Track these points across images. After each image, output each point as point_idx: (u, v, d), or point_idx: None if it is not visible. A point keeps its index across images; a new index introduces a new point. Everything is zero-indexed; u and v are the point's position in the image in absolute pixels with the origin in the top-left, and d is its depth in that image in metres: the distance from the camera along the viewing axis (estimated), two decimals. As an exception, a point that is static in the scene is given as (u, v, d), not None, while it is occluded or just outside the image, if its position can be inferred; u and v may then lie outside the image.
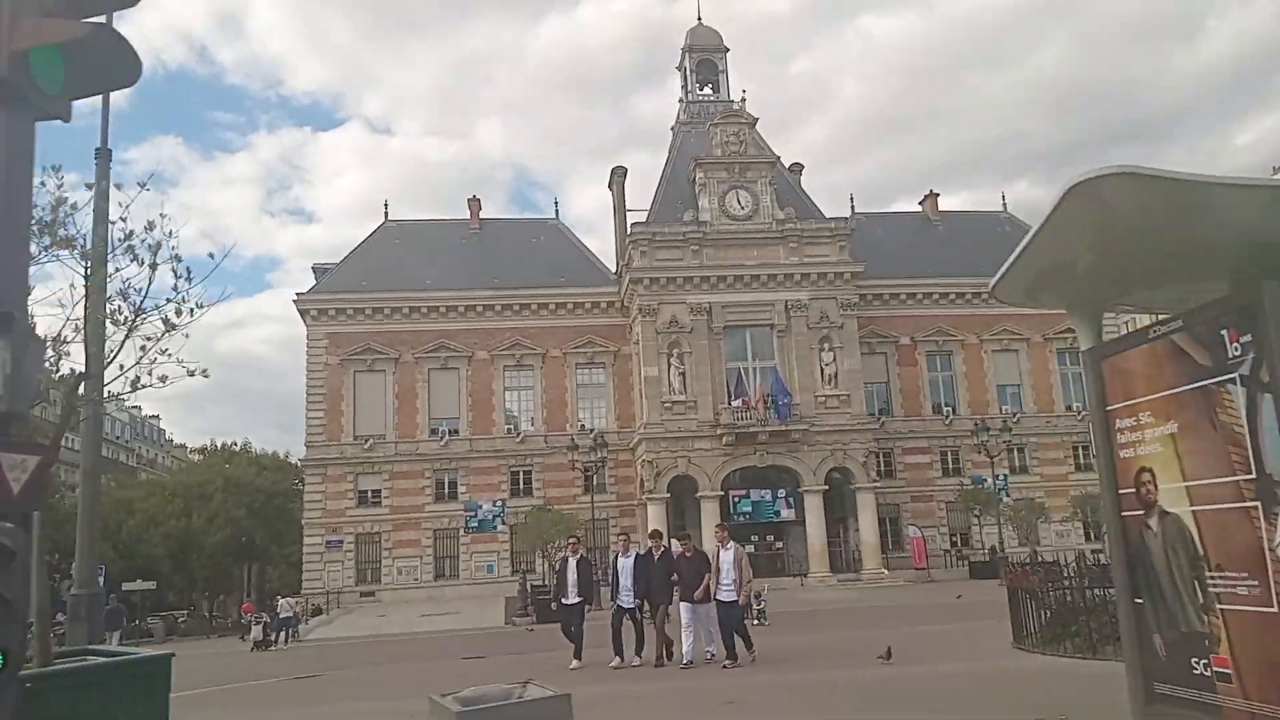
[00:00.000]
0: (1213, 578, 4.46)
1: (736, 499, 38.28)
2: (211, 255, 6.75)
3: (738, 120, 41.33)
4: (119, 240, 6.26)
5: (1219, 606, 4.40)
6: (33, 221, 4.81)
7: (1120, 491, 5.15)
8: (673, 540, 14.78)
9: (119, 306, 6.21)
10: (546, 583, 33.71)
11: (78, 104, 3.69)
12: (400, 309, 41.90)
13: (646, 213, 41.58)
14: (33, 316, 5.07)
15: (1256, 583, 4.15)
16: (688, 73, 46.07)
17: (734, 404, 38.00)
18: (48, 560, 14.46)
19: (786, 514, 38.87)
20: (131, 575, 44.74)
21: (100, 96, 10.87)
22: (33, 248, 4.75)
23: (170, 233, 6.47)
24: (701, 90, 46.16)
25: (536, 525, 34.75)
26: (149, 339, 6.25)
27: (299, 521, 43.15)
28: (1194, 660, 4.61)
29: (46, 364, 5.59)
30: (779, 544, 39.47)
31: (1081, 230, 4.46)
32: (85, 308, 6.12)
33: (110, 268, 6.23)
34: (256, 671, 17.25)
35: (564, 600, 14.26)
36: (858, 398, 39.18)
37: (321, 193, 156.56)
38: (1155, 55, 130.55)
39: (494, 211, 48.60)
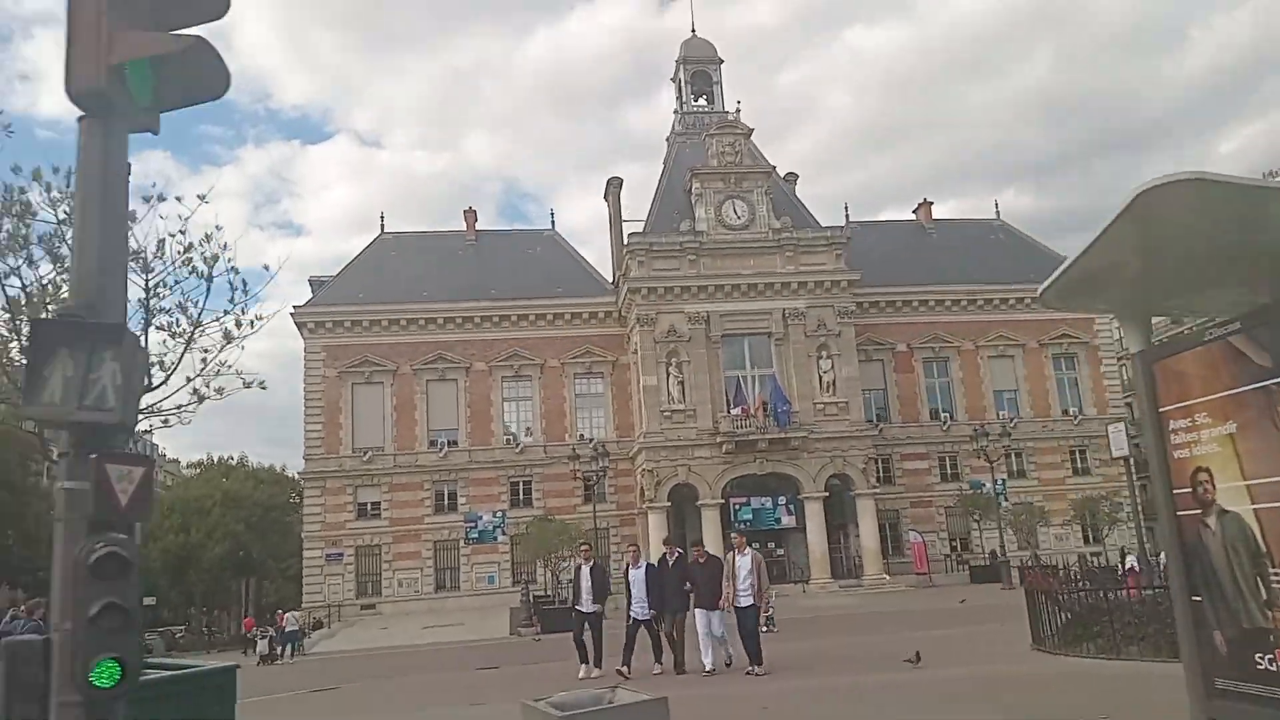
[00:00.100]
0: (1276, 574, 4.52)
1: (737, 507, 38.29)
2: (266, 267, 6.79)
3: (733, 131, 41.56)
4: (179, 252, 6.29)
5: (1284, 603, 4.45)
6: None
7: (1175, 491, 5.20)
8: (692, 548, 14.73)
9: (177, 319, 6.25)
10: (549, 593, 33.70)
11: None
12: (398, 321, 41.84)
13: (642, 223, 41.70)
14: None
15: (1320, 579, 4.21)
16: (682, 84, 46.27)
17: (733, 412, 38.07)
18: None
19: (787, 521, 38.89)
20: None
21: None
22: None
23: (225, 245, 6.50)
24: (696, 101, 46.36)
25: (538, 536, 34.69)
26: (206, 351, 6.28)
27: (297, 535, 43.00)
28: (1258, 656, 4.66)
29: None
30: (780, 551, 39.47)
31: (1143, 236, 4.52)
32: (144, 317, 6.16)
33: (169, 280, 6.26)
34: (269, 686, 17.17)
35: (579, 608, 14.21)
36: (856, 405, 39.32)
37: (310, 206, 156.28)
38: (1140, 65, 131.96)
39: (484, 224, 48.35)
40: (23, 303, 7.16)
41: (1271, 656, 4.61)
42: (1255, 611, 4.73)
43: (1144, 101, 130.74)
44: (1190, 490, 5.10)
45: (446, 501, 41.10)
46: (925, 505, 42.59)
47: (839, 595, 34.67)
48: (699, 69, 46.39)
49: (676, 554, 14.11)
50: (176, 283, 6.30)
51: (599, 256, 63.00)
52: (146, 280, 6.22)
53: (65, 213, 6.48)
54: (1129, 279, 5.25)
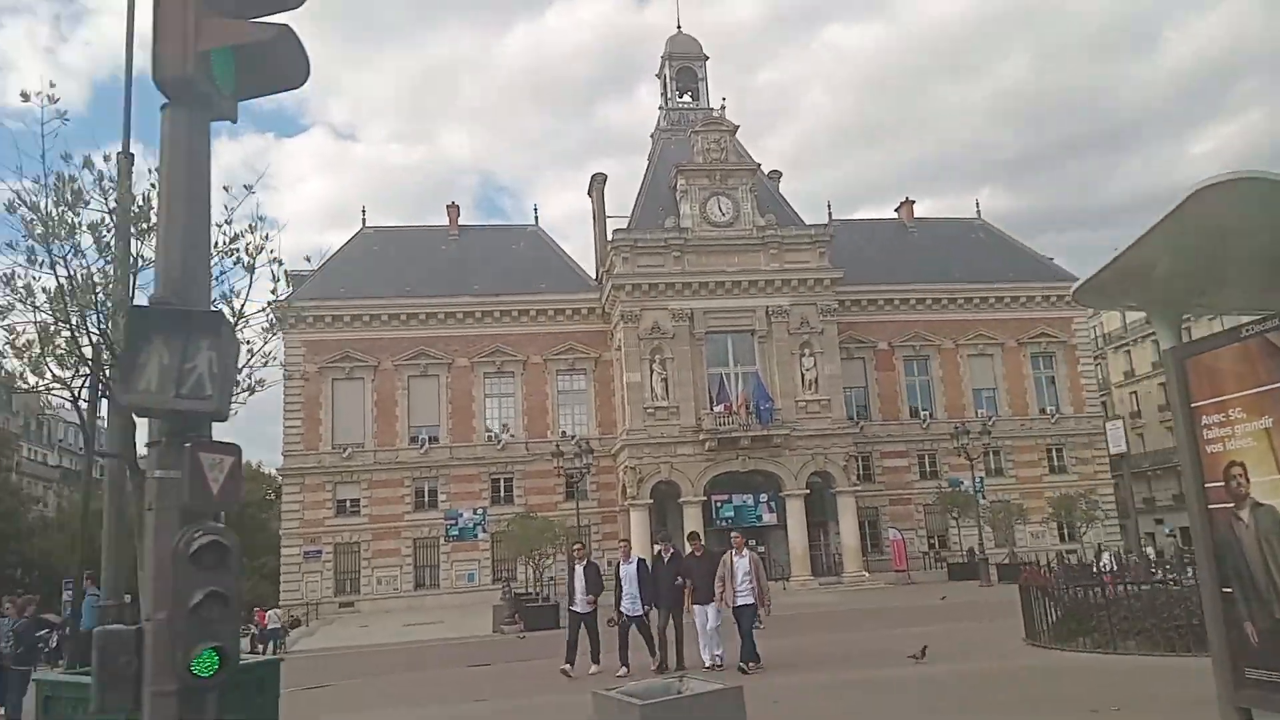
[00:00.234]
0: (1311, 566, 4.65)
1: (719, 504, 38.40)
2: (309, 259, 6.74)
3: (719, 128, 41.64)
4: (225, 242, 6.23)
5: (1318, 594, 4.58)
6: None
7: (1207, 485, 5.33)
8: (689, 541, 14.76)
9: (221, 310, 6.19)
10: (530, 590, 33.59)
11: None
12: (379, 316, 41.52)
13: (625, 219, 41.68)
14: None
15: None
16: (667, 80, 46.28)
17: (716, 409, 38.17)
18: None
19: (768, 518, 39.06)
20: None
21: (122, 101, 10.83)
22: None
23: (267, 236, 6.45)
24: (681, 98, 46.40)
25: (520, 533, 34.56)
26: (250, 343, 6.23)
27: (273, 532, 42.52)
28: (1291, 647, 4.79)
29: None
30: (761, 548, 39.41)
31: (1189, 234, 4.63)
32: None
33: (215, 270, 6.19)
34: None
35: (574, 609, 14.13)
36: (838, 402, 39.57)
37: (285, 199, 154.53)
38: (1115, 66, 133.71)
39: (461, 218, 48.09)
40: (68, 291, 7.08)
41: (1306, 646, 4.73)
42: (1290, 602, 4.85)
43: (1119, 102, 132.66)
44: (1223, 484, 5.22)
45: (427, 498, 40.86)
46: (905, 503, 42.95)
47: (819, 592, 34.91)
48: (684, 65, 46.43)
49: (672, 550, 14.15)
50: (222, 273, 6.28)
51: (576, 251, 62.87)
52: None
53: (115, 202, 6.48)
54: (1163, 276, 5.37)
